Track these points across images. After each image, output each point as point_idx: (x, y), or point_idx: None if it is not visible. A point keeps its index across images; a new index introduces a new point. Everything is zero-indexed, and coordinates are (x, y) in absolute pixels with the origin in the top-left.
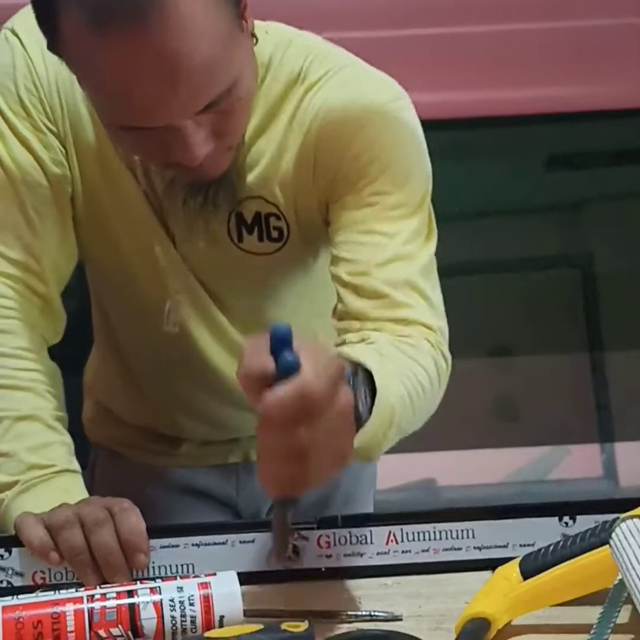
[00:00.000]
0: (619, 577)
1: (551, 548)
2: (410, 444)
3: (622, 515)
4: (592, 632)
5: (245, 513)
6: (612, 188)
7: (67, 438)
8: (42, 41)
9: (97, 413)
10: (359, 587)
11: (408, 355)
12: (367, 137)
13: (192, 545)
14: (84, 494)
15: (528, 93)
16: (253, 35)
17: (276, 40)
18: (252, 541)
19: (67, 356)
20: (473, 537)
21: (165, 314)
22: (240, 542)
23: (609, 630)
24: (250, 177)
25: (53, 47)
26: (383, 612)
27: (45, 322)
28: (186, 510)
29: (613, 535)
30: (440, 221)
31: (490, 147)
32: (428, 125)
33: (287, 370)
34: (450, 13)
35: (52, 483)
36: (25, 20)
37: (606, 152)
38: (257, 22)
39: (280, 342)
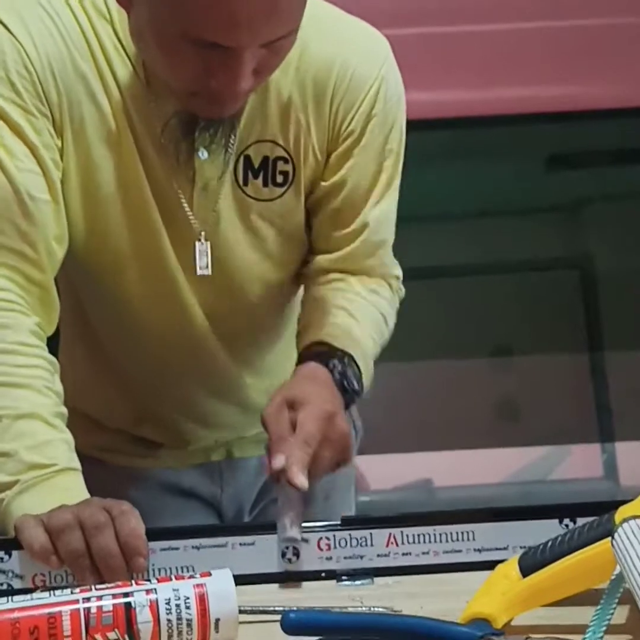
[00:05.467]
0: (616, 571)
1: (549, 544)
2: (410, 444)
3: (621, 509)
4: (590, 622)
5: (228, 511)
6: (613, 188)
7: (67, 435)
8: (29, 25)
9: (71, 419)
10: (360, 587)
11: (374, 305)
12: (374, 93)
13: (192, 547)
14: (84, 492)
15: (528, 93)
16: None
17: None
18: (253, 544)
19: None
20: (473, 539)
21: (196, 256)
22: (240, 544)
23: (607, 622)
24: (258, 123)
25: None
26: (383, 607)
27: (43, 311)
28: (172, 511)
29: (615, 536)
30: (441, 221)
31: (490, 147)
32: (428, 125)
33: None
34: (450, 13)
35: (53, 482)
36: (8, 4)
37: (606, 152)
38: None
39: None
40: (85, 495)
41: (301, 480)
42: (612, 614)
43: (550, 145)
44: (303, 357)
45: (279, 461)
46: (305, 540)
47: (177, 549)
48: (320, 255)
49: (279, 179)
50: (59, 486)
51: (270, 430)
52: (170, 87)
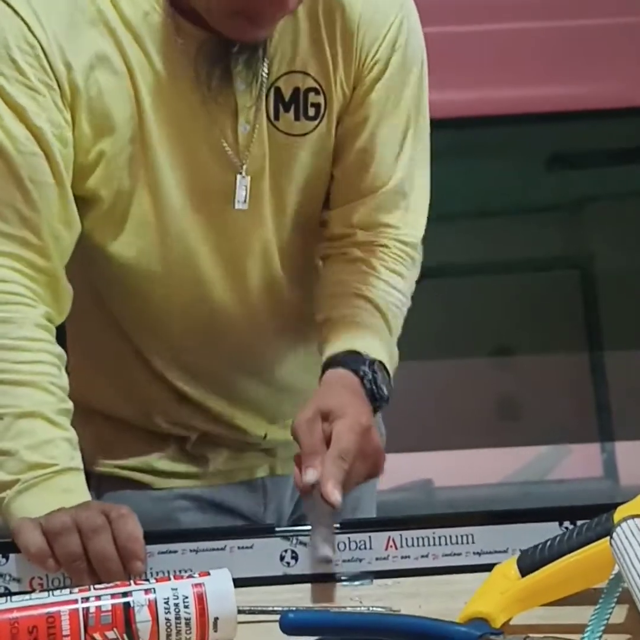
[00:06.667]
0: (615, 570)
1: (548, 544)
2: (411, 444)
3: (619, 509)
4: (589, 621)
5: None
6: (613, 188)
7: (70, 432)
8: (34, 3)
9: (99, 443)
10: (359, 587)
11: (396, 289)
12: (397, 25)
13: (190, 551)
14: (85, 493)
15: (529, 92)
16: None
17: None
18: (251, 547)
19: None
20: (472, 542)
21: (235, 191)
22: (239, 547)
23: (605, 621)
24: (288, 54)
25: None
26: (381, 607)
27: (53, 299)
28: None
29: (614, 535)
30: (441, 221)
31: (490, 146)
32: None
33: None
34: (450, 13)
35: (53, 483)
36: None
37: (607, 152)
38: None
39: None
40: (86, 495)
41: (336, 497)
42: (611, 613)
43: (550, 145)
44: (331, 362)
45: (311, 475)
46: (304, 544)
47: (175, 552)
48: (340, 209)
49: (311, 111)
50: (59, 487)
51: (302, 442)
52: (210, 10)
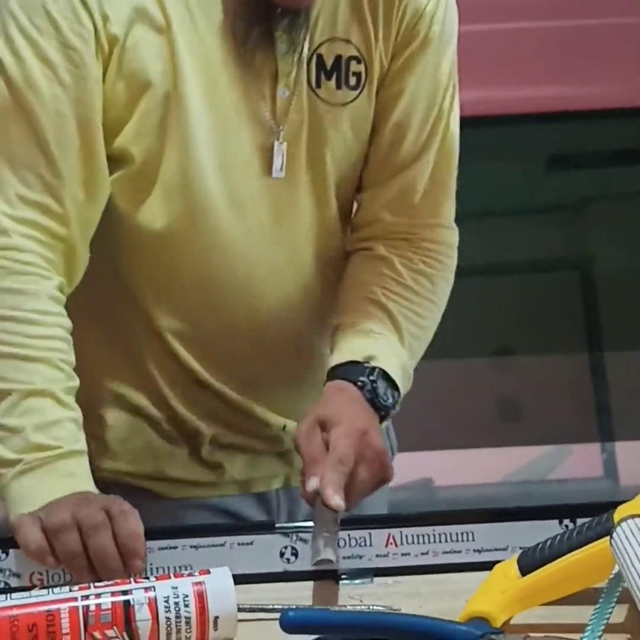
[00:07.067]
0: (614, 570)
1: (548, 543)
2: (412, 443)
3: (619, 509)
4: (589, 621)
5: None
6: (614, 188)
7: (76, 412)
8: None
9: (110, 443)
10: (360, 586)
11: (417, 293)
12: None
13: (190, 547)
14: (88, 478)
15: (529, 93)
16: None
17: None
18: (251, 543)
19: None
20: (472, 539)
21: (270, 158)
22: (239, 544)
23: (605, 621)
24: (330, 21)
25: None
26: (382, 606)
27: (66, 269)
28: None
29: (614, 534)
30: None
31: (491, 147)
32: None
33: None
34: None
35: (55, 466)
36: None
37: (608, 152)
38: None
39: None
40: (88, 480)
41: (337, 501)
42: (611, 612)
43: (551, 146)
44: (333, 372)
45: (313, 483)
46: (304, 541)
47: (175, 548)
48: (371, 190)
49: (352, 80)
50: (61, 471)
51: (303, 452)
52: None
